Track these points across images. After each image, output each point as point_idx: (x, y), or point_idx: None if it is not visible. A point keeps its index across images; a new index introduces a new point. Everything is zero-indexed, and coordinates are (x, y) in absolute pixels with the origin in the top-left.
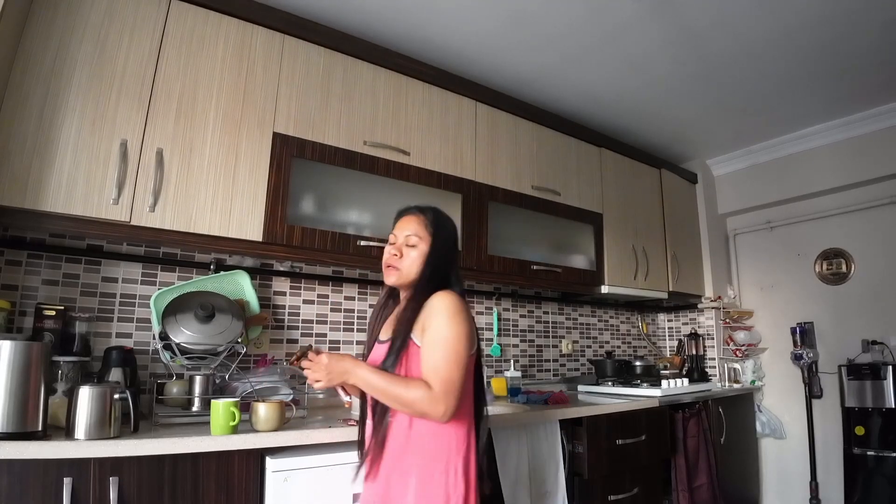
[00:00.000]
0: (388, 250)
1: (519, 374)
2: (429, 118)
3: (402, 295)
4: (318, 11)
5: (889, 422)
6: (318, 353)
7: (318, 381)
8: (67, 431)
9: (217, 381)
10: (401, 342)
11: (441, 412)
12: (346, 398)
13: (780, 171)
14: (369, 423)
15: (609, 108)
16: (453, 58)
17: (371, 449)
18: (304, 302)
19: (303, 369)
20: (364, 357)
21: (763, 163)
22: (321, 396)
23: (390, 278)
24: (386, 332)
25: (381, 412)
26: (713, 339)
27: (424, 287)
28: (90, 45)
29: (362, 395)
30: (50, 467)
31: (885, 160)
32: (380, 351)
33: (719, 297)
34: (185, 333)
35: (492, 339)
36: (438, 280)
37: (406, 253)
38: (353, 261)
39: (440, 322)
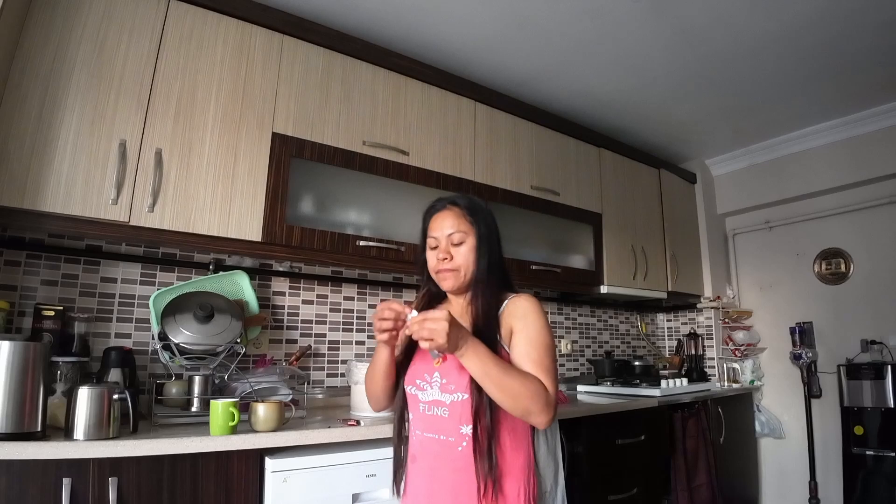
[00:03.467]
0: (434, 256)
1: None
2: (428, 118)
3: (458, 297)
4: (317, 11)
5: (888, 421)
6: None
7: (431, 339)
8: (66, 432)
9: (216, 382)
10: (490, 335)
11: (552, 416)
12: (438, 356)
13: (779, 171)
14: (423, 434)
15: (608, 108)
16: (452, 58)
17: (480, 461)
18: (304, 302)
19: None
20: (398, 360)
21: (762, 163)
22: (320, 396)
23: (447, 283)
24: None
25: (491, 421)
26: (712, 338)
27: (487, 281)
28: (89, 45)
29: (401, 411)
30: (49, 468)
31: (884, 160)
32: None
33: (718, 297)
34: (185, 334)
35: None
36: (498, 271)
37: (455, 252)
38: (353, 261)
39: (538, 324)
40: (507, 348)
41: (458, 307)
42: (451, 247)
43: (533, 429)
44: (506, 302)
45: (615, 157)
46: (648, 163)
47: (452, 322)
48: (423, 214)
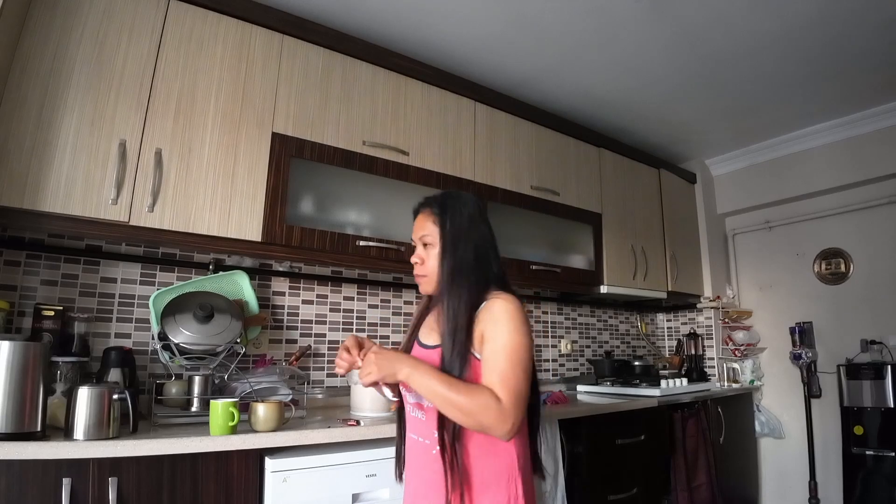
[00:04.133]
0: (412, 259)
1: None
2: (428, 118)
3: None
4: (316, 11)
5: (888, 421)
6: (361, 345)
7: (368, 374)
8: (66, 432)
9: (216, 382)
10: (461, 348)
11: (507, 428)
12: (392, 398)
13: (778, 171)
14: (418, 440)
15: (608, 108)
16: (452, 58)
17: (447, 467)
18: (304, 302)
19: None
20: None
21: (762, 163)
22: (320, 396)
23: (423, 287)
24: (430, 338)
25: (454, 429)
26: (712, 338)
27: (449, 288)
28: (89, 45)
29: (400, 407)
30: (49, 468)
31: (884, 160)
32: (426, 356)
33: (718, 297)
34: (184, 334)
35: None
36: (471, 272)
37: (427, 256)
38: (353, 261)
39: (504, 329)
40: (478, 356)
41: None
42: (423, 249)
43: (534, 432)
44: (482, 304)
45: (615, 156)
46: (648, 163)
47: (379, 353)
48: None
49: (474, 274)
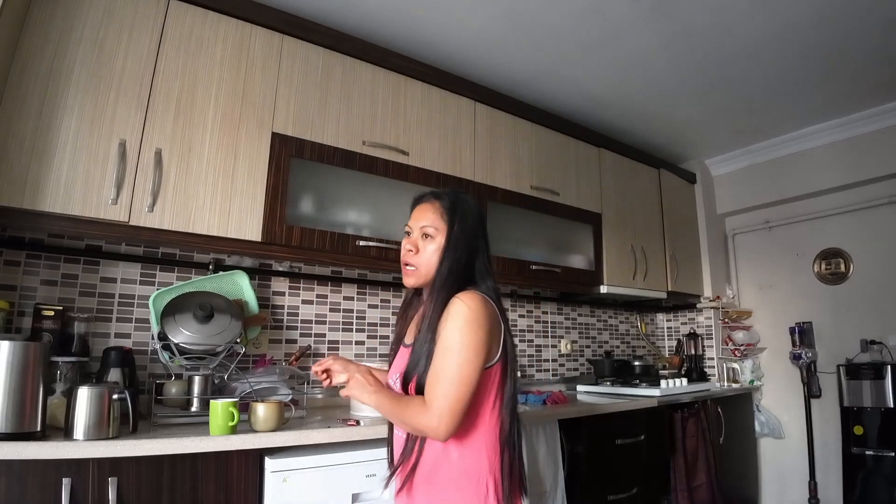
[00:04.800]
0: (404, 245)
1: (518, 373)
2: (428, 118)
3: (425, 294)
4: (316, 11)
5: (888, 421)
6: (327, 369)
7: (344, 393)
8: (66, 432)
9: (216, 382)
10: (427, 349)
11: (441, 433)
12: None
13: (778, 171)
14: (398, 434)
15: (608, 108)
16: (452, 58)
17: (403, 466)
18: (303, 302)
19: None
20: (389, 361)
21: (762, 163)
22: (320, 396)
23: (408, 279)
24: (411, 336)
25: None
26: (712, 338)
27: (443, 285)
28: (89, 44)
29: None
30: (49, 468)
31: (884, 160)
32: (405, 355)
33: (718, 297)
34: (184, 334)
35: None
36: (459, 276)
37: (423, 247)
38: (353, 261)
39: (449, 329)
40: None
41: (424, 302)
42: (421, 240)
43: (507, 433)
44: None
45: (615, 156)
46: (648, 163)
47: (350, 386)
48: (411, 203)
49: (460, 278)
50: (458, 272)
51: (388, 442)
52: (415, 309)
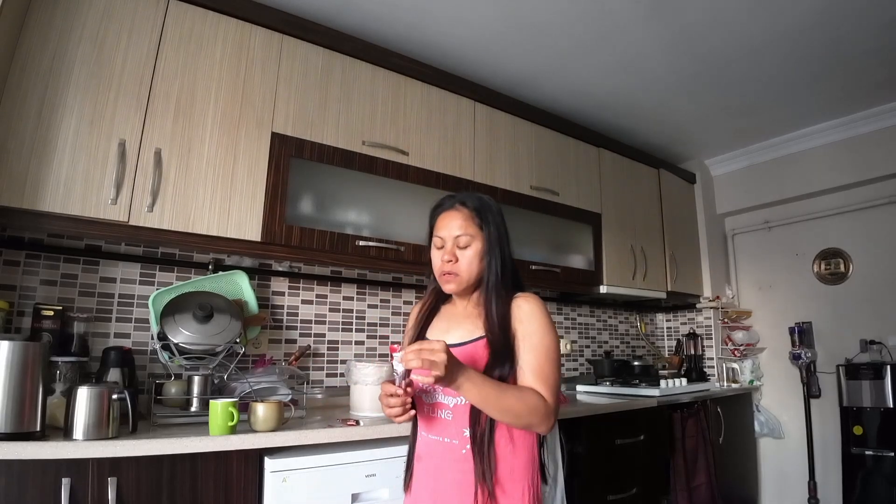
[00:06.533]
0: (440, 256)
1: None
2: (427, 118)
3: (463, 299)
4: (316, 11)
5: (887, 421)
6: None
7: (437, 374)
8: (66, 432)
9: (215, 382)
10: (509, 344)
11: (550, 424)
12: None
13: (778, 171)
14: (435, 438)
15: (607, 108)
16: (452, 57)
17: (479, 464)
18: (303, 302)
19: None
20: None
21: (761, 163)
22: (319, 396)
23: (449, 286)
24: (456, 335)
25: (489, 425)
26: (711, 338)
27: (501, 285)
28: (88, 44)
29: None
30: (48, 468)
31: (884, 160)
32: (461, 353)
33: (718, 297)
34: (184, 334)
35: None
36: (507, 273)
37: (461, 255)
38: (352, 261)
39: (540, 327)
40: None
41: (462, 309)
42: (458, 249)
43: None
44: (511, 304)
45: (615, 157)
46: (648, 163)
47: (451, 358)
48: (431, 212)
49: (513, 275)
50: (506, 270)
51: (411, 442)
52: (443, 310)
